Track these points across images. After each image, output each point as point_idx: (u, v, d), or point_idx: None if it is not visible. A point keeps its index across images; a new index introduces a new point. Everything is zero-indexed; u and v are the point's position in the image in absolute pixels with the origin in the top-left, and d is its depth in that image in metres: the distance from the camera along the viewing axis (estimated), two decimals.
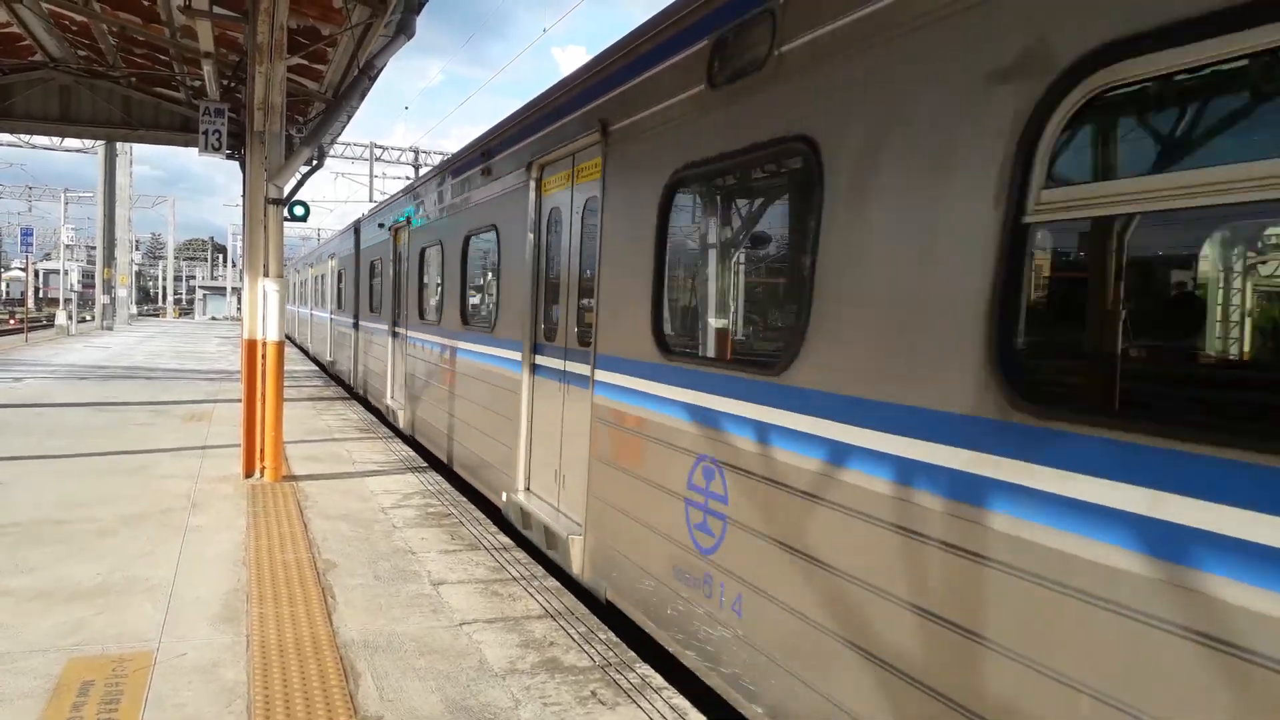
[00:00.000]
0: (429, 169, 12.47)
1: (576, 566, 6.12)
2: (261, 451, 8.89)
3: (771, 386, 3.97)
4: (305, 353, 29.39)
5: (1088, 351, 2.97)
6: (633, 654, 4.94)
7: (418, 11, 9.47)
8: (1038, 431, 2.69)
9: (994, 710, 2.79)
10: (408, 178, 41.50)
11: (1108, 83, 2.57)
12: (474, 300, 9.48)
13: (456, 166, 10.17)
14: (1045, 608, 2.63)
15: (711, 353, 4.99)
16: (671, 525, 4.84)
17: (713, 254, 5.07)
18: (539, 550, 6.91)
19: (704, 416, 4.56)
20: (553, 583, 6.17)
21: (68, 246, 44.65)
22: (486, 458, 8.48)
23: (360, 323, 16.99)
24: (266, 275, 8.72)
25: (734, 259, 5.06)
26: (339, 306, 20.37)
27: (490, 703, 4.26)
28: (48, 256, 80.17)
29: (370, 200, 40.45)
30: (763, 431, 4.05)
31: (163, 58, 15.42)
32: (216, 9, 10.16)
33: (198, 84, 16.07)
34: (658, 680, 4.60)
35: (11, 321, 50.28)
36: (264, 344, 8.82)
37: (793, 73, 3.94)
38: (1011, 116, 2.83)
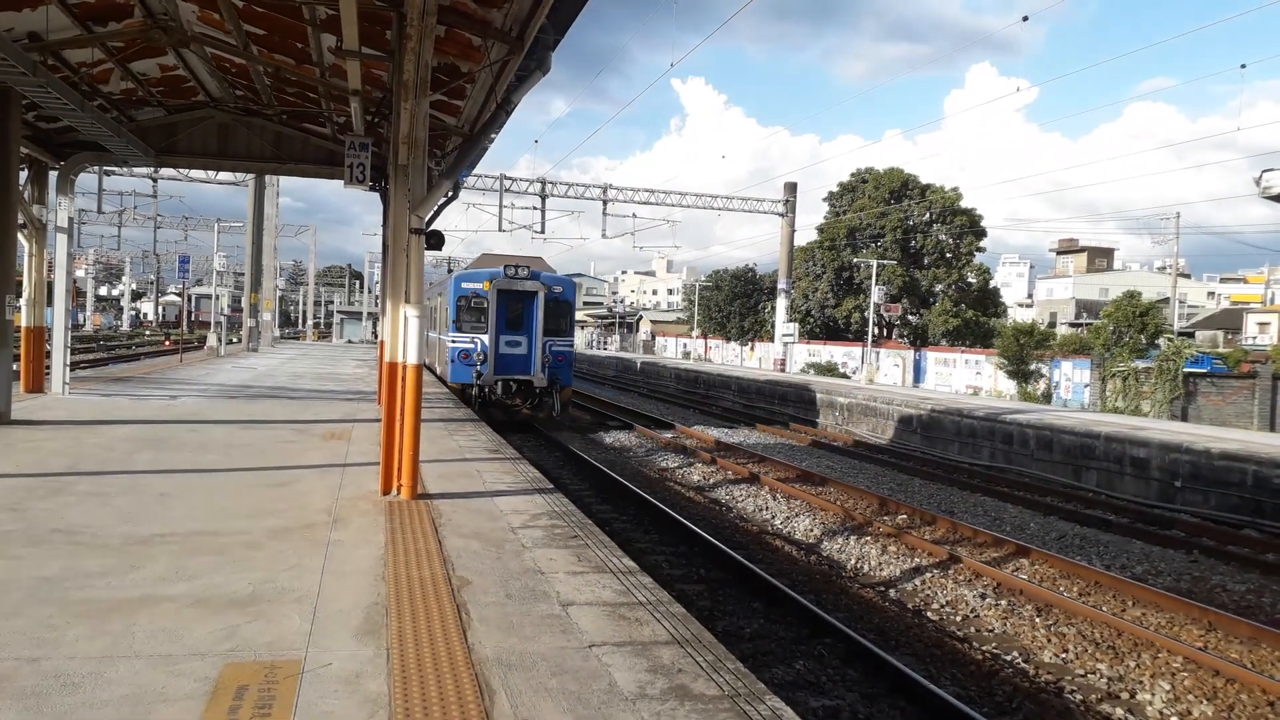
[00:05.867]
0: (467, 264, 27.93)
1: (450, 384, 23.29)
2: (399, 470, 9.20)
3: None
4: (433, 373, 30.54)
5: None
6: (762, 685, 4.89)
7: (553, 48, 9.76)
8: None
9: None
10: (535, 207, 42.76)
11: None
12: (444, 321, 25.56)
13: (437, 286, 26.84)
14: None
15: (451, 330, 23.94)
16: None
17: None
18: (661, 577, 7.11)
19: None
20: (678, 609, 6.17)
21: (219, 273, 47.49)
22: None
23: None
24: (408, 301, 9.05)
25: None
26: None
27: None
28: (199, 282, 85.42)
29: (499, 229, 41.96)
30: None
31: (311, 95, 16.31)
32: (365, 49, 10.70)
33: (342, 120, 16.95)
34: (789, 713, 4.54)
35: (167, 343, 53.76)
36: (404, 367, 9.13)
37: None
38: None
